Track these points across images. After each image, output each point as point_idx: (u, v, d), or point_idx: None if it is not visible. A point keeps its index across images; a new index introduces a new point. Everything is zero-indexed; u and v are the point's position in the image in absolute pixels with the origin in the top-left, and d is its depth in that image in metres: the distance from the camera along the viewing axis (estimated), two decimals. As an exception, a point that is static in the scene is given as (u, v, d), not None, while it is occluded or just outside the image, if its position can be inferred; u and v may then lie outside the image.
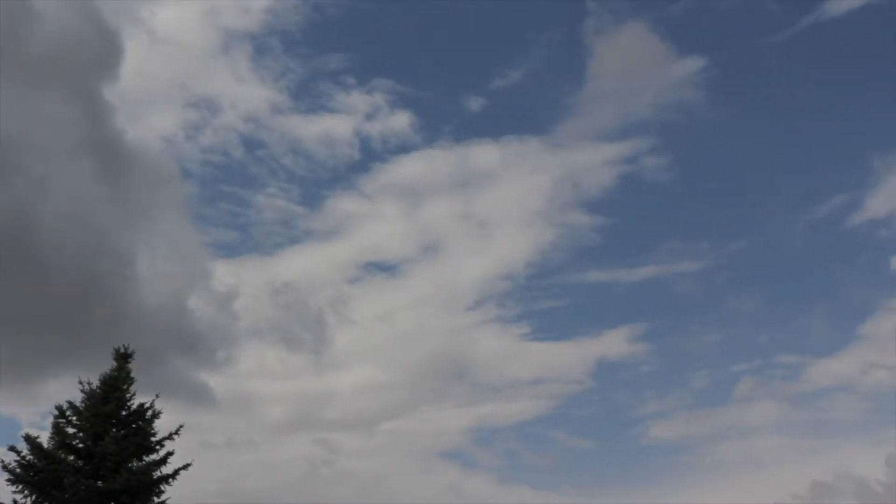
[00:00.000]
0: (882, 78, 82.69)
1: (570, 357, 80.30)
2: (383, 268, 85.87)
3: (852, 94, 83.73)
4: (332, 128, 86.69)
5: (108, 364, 32.53)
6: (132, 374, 32.58)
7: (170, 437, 31.96)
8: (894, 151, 77.77)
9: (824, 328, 76.32)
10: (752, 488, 63.56)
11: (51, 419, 31.57)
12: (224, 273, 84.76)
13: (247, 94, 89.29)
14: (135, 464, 31.43)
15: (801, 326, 78.50)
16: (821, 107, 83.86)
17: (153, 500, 31.37)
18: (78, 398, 31.94)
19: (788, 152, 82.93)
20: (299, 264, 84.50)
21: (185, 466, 31.78)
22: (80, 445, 31.19)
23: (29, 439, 30.78)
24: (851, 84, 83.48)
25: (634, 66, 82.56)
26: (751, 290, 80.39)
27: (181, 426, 31.99)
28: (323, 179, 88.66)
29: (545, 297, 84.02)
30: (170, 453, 31.83)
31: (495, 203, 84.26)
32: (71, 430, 31.44)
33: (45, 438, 31.11)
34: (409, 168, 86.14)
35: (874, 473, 57.56)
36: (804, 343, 78.34)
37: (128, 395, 32.14)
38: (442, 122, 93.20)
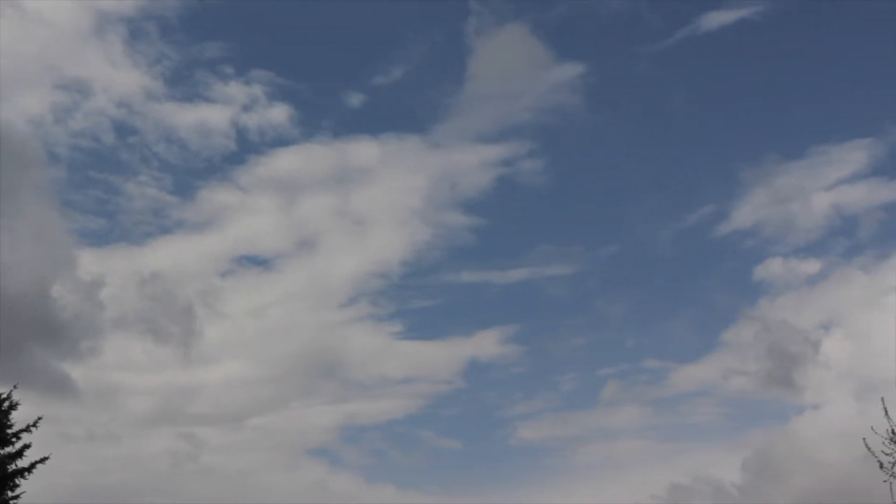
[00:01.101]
0: (751, 92, 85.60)
1: (442, 357, 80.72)
2: (257, 262, 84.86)
3: (723, 106, 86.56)
4: (209, 117, 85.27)
5: (-37, 352, 31.31)
6: (-11, 363, 31.45)
7: (27, 429, 30.98)
8: (761, 164, 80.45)
9: (688, 335, 78.57)
10: (614, 489, 64.91)
11: None
12: (90, 261, 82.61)
13: (120, 78, 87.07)
14: (-11, 456, 30.33)
15: (667, 332, 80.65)
16: (694, 118, 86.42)
17: (7, 494, 30.36)
18: (-71, 387, 30.66)
19: (661, 161, 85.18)
20: (169, 255, 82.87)
21: (43, 460, 30.89)
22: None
23: None
24: (723, 97, 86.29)
25: (514, 69, 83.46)
26: (620, 295, 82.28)
27: (39, 418, 31.12)
28: (197, 169, 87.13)
29: (419, 297, 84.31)
30: (26, 446, 30.88)
31: (372, 200, 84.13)
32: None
33: None
34: (287, 162, 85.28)
35: (730, 476, 59.54)
36: (669, 349, 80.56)
37: (-17, 385, 31.05)
38: (321, 117, 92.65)
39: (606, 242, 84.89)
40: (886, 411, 21.58)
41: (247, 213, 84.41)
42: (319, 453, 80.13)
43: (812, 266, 75.17)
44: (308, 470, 75.77)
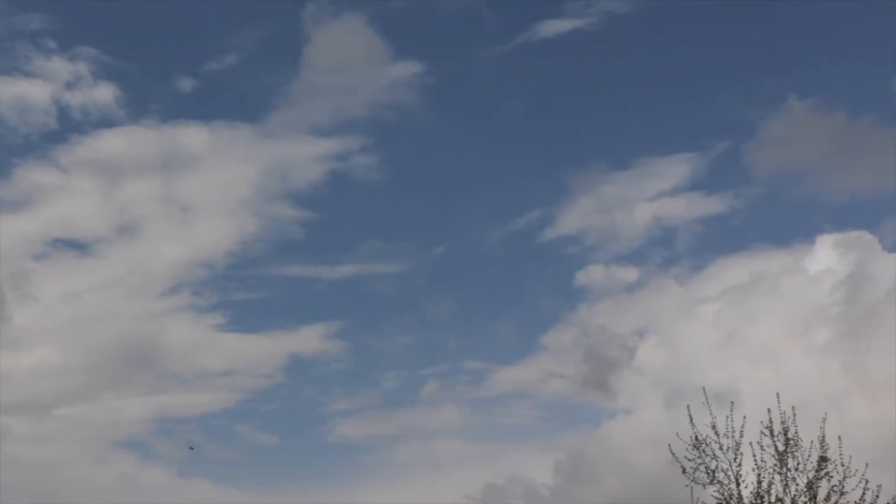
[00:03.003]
0: (583, 101, 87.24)
1: (263, 351, 79.12)
2: (74, 245, 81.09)
3: (556, 113, 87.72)
4: (28, 93, 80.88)
5: None
6: None
7: None
8: (586, 171, 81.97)
9: (510, 337, 79.47)
10: (431, 489, 65.11)
11: None
12: None
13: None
14: None
15: (489, 334, 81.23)
16: (527, 123, 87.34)
17: None
18: None
19: (494, 164, 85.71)
20: (-22, 234, 78.49)
21: None
22: None
23: None
24: (556, 104, 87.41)
25: (351, 62, 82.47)
26: (446, 296, 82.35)
27: None
28: (13, 146, 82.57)
29: (243, 289, 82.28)
30: None
31: (200, 188, 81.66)
32: None
33: None
34: (111, 144, 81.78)
35: (542, 478, 60.33)
36: (490, 350, 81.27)
37: None
38: (149, 100, 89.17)
39: (436, 242, 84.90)
40: (692, 419, 22.23)
41: (65, 195, 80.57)
42: (129, 446, 77.24)
43: (631, 274, 77.21)
44: (117, 463, 73.16)
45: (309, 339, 78.41)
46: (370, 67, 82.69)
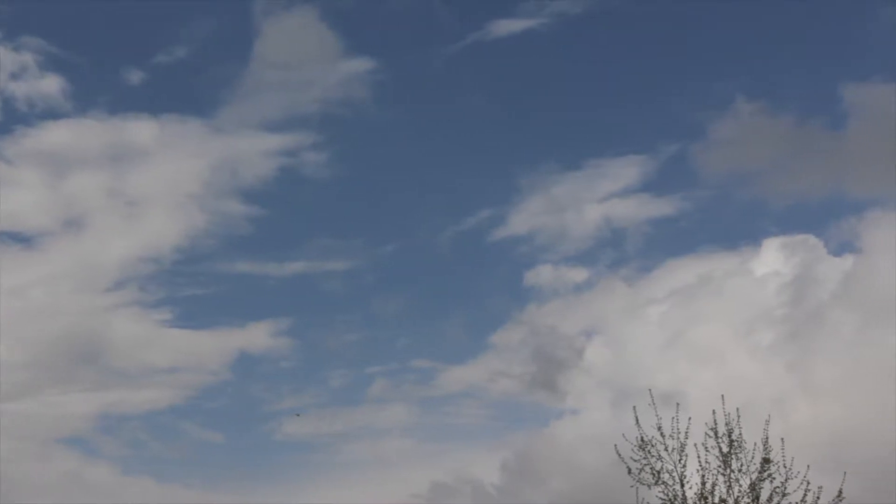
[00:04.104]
0: (535, 101, 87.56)
1: (210, 347, 78.48)
2: (18, 239, 79.98)
3: (508, 113, 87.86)
4: (-29, 83, 79.79)
5: None
6: None
7: None
8: (537, 172, 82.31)
9: (459, 336, 79.56)
10: (378, 488, 65.04)
11: None
12: None
13: None
14: None
15: (438, 333, 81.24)
16: (479, 122, 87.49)
17: None
18: None
19: (445, 163, 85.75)
20: (-81, 228, 76.99)
21: None
22: None
23: None
24: (508, 104, 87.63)
25: (303, 57, 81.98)
26: (395, 294, 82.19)
27: None
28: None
29: (191, 284, 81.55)
30: None
31: (148, 182, 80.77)
32: None
33: None
34: (57, 136, 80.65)
35: (489, 477, 60.51)
36: (439, 349, 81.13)
37: None
38: (97, 92, 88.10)
39: (385, 240, 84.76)
40: (637, 420, 22.42)
41: (10, 188, 79.26)
42: (73, 443, 76.46)
43: (580, 274, 77.68)
44: (61, 460, 72.24)
45: (257, 337, 77.97)
46: (322, 63, 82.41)
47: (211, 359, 77.53)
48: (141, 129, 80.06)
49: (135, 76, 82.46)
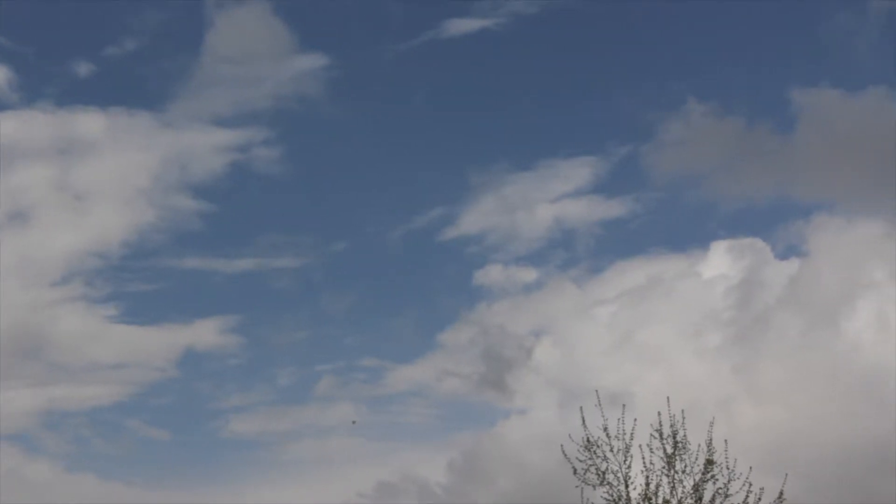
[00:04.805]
0: (488, 101, 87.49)
1: (157, 343, 77.63)
2: (-39, 231, 78.83)
3: (461, 112, 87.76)
4: (-85, 72, 78.30)
5: None
6: None
7: None
8: (489, 171, 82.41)
9: (407, 335, 79.42)
10: (324, 487, 64.69)
11: None
12: None
13: None
14: None
15: (387, 332, 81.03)
16: (432, 121, 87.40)
17: None
18: None
19: (398, 161, 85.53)
20: None
21: None
22: None
23: None
24: (461, 103, 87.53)
25: (255, 51, 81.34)
26: (345, 292, 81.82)
27: None
28: None
29: (138, 280, 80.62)
30: None
31: (96, 176, 79.69)
32: None
33: None
34: (3, 128, 78.71)
35: (436, 476, 60.36)
36: (387, 348, 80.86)
37: None
38: (44, 84, 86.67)
39: (336, 238, 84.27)
40: (584, 420, 22.49)
41: (-47, 180, 78.28)
42: (16, 439, 75.19)
43: (530, 274, 77.92)
44: (2, 457, 70.85)
45: (204, 333, 77.31)
46: (274, 58, 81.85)
47: (157, 355, 76.78)
48: (89, 122, 79.15)
49: (83, 68, 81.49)
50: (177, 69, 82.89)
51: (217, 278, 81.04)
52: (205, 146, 79.69)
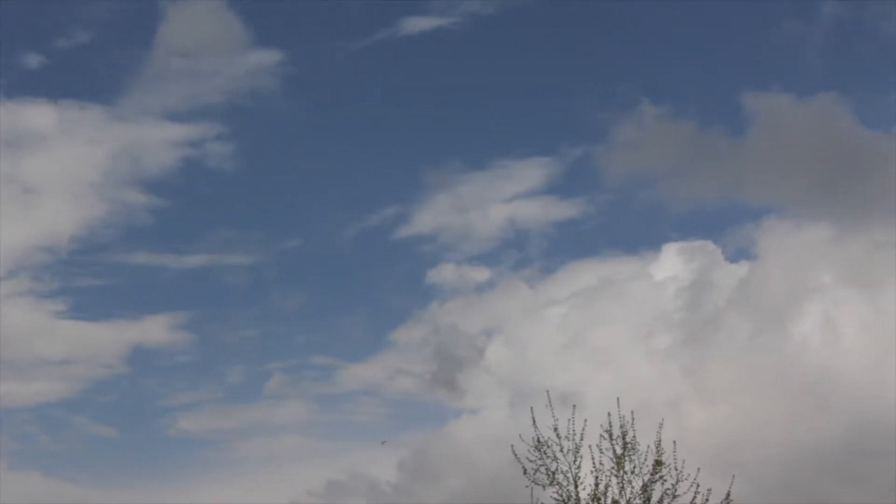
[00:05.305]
0: (443, 100, 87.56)
1: (105, 340, 76.89)
2: None
3: (416, 111, 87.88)
4: None
5: None
6: None
7: None
8: (443, 170, 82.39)
9: (359, 334, 79.23)
10: (273, 485, 64.35)
11: None
12: None
13: None
14: None
15: (339, 330, 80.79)
16: (386, 119, 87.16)
17: None
18: None
19: (352, 159, 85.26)
20: None
21: None
22: None
23: None
24: (416, 102, 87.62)
25: (208, 45, 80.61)
26: (297, 290, 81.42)
27: None
28: None
29: (87, 275, 79.76)
30: None
31: (45, 169, 78.71)
32: None
33: None
34: (-50, 120, 78.36)
35: (385, 475, 60.17)
36: (339, 346, 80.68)
37: None
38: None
39: (288, 235, 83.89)
40: (535, 421, 22.53)
41: None
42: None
43: (482, 274, 78.09)
44: (-55, 453, 70.07)
45: (153, 330, 76.71)
46: (228, 53, 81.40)
47: (105, 351, 76.11)
48: (39, 115, 78.16)
49: (33, 60, 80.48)
50: (129, 62, 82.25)
51: (167, 274, 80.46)
52: (156, 141, 79.08)
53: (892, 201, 64.28)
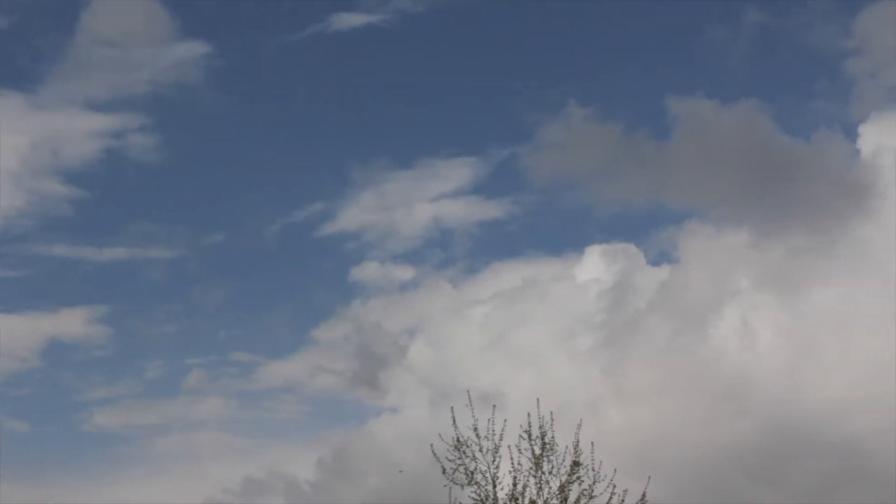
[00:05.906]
0: (371, 97, 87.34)
1: (19, 332, 75.34)
2: None
3: (344, 108, 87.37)
4: None
5: None
6: None
7: None
8: (370, 168, 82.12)
9: (281, 330, 78.70)
10: (189, 483, 63.65)
11: None
12: None
13: None
14: None
15: (260, 326, 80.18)
16: (314, 115, 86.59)
17: None
18: None
19: (278, 154, 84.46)
20: None
21: None
22: None
23: None
24: (344, 98, 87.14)
25: (133, 34, 79.20)
26: (219, 285, 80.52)
27: None
28: None
29: (3, 266, 78.00)
30: None
31: (-40, 159, 77.01)
32: None
33: None
34: None
35: (304, 473, 59.86)
36: (260, 343, 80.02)
37: None
38: None
39: (211, 229, 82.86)
40: (455, 420, 22.54)
41: None
42: None
43: (406, 273, 78.12)
44: None
45: (70, 323, 75.44)
46: (153, 43, 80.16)
47: (20, 344, 74.62)
48: (-45, 101, 76.28)
49: (-49, 46, 78.48)
50: (50, 49, 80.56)
51: (86, 267, 79.10)
52: (78, 130, 77.69)
53: (809, 208, 65.89)
